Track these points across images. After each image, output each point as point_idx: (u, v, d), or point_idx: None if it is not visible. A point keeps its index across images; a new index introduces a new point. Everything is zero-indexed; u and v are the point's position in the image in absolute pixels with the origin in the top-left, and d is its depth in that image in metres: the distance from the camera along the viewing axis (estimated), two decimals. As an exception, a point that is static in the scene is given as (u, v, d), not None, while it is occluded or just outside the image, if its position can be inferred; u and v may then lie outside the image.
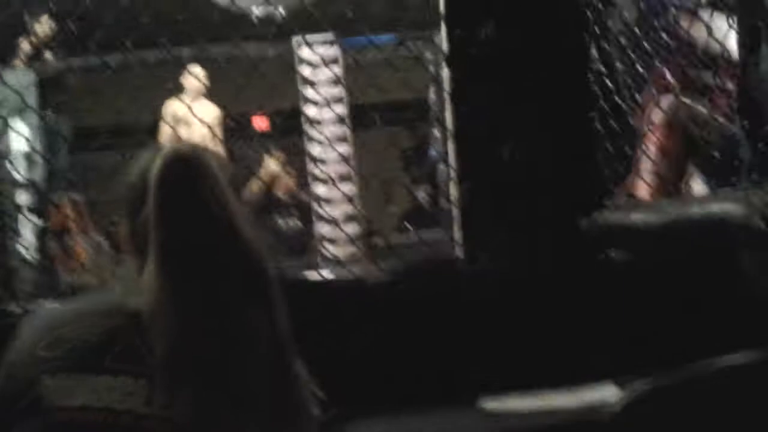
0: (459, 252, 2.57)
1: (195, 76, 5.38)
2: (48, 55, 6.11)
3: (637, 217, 2.14)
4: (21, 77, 5.35)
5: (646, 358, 2.22)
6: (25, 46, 5.97)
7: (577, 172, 2.37)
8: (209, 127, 5.56)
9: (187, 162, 1.30)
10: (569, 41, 2.36)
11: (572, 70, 2.37)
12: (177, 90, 5.56)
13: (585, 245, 2.35)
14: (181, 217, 1.26)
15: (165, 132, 5.79)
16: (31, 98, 5.21)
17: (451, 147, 2.61)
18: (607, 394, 2.06)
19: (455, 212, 2.62)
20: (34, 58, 5.99)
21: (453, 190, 2.60)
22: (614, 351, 2.25)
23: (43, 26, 5.97)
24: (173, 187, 1.27)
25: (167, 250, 1.25)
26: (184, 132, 5.49)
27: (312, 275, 2.89)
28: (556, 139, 2.36)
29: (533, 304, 2.35)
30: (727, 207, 1.84)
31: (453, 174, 2.56)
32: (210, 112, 5.87)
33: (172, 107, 5.58)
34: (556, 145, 2.36)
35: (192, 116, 4.67)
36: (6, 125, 4.49)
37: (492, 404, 2.16)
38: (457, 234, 2.61)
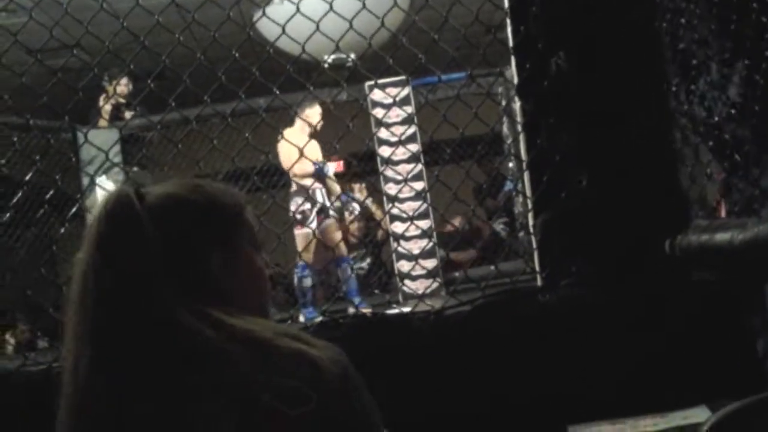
0: (539, 281, 2.57)
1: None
2: (128, 113, 6.36)
3: (721, 237, 2.11)
4: (105, 136, 5.55)
5: (739, 379, 2.19)
6: (106, 106, 6.21)
7: (658, 194, 2.35)
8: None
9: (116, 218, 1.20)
10: (643, 64, 2.35)
11: (647, 92, 2.36)
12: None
13: (670, 268, 2.32)
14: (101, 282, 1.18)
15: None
16: (116, 155, 5.40)
17: (526, 178, 2.63)
18: (698, 417, 2.03)
19: (534, 242, 2.62)
20: (116, 117, 6.23)
21: (531, 221, 2.60)
22: (706, 374, 2.22)
23: (122, 86, 6.21)
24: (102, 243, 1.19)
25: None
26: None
27: (392, 311, 2.91)
28: (634, 164, 2.35)
29: (618, 330, 2.33)
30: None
31: (530, 205, 2.58)
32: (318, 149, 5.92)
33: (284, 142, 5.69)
34: (634, 170, 2.35)
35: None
36: (93, 183, 4.66)
37: (582, 432, 2.14)
38: (537, 264, 2.61)
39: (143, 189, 1.27)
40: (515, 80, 2.59)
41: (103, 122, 6.12)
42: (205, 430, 1.13)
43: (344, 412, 1.17)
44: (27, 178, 2.99)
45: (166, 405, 1.14)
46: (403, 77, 5.54)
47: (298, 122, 5.97)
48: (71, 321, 1.20)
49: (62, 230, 2.92)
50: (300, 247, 5.86)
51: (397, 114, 6.11)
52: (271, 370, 1.15)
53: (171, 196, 1.27)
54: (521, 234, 6.92)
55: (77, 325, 1.20)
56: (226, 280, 1.25)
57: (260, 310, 1.31)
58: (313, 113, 5.89)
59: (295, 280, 6.17)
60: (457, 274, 7.05)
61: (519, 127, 2.65)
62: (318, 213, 6.06)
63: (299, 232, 6.00)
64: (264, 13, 2.56)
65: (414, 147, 6.15)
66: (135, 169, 5.95)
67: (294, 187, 6.06)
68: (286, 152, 5.75)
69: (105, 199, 1.23)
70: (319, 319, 2.52)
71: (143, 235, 1.19)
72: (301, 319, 5.78)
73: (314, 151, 5.83)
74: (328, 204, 6.14)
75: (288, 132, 5.45)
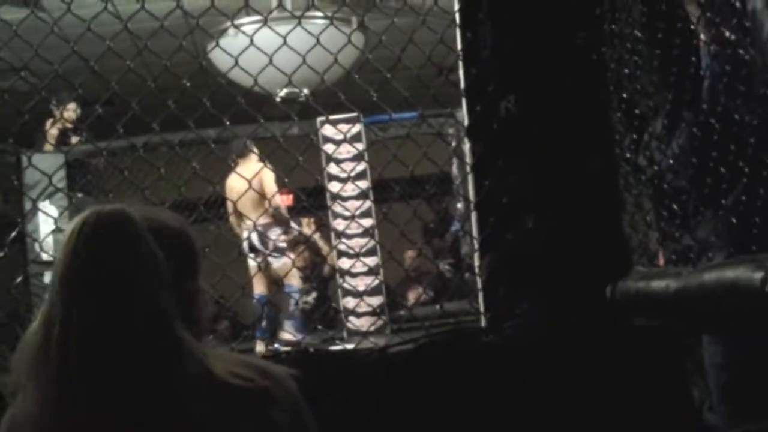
0: (483, 322, 2.59)
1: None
2: (74, 138, 6.29)
3: (657, 284, 2.15)
4: (50, 160, 5.47)
5: (676, 427, 2.22)
6: (52, 130, 6.13)
7: (601, 240, 2.39)
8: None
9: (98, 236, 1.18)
10: (590, 113, 2.40)
11: (593, 138, 2.41)
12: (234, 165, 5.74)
13: (610, 313, 2.35)
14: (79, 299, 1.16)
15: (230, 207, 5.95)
16: (60, 181, 5.32)
17: (473, 218, 2.65)
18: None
19: (479, 283, 2.64)
20: (62, 142, 6.16)
21: (476, 261, 2.63)
22: (644, 420, 2.25)
23: (69, 111, 6.14)
24: (75, 265, 1.17)
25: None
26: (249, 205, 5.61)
27: (336, 348, 2.90)
28: (579, 208, 2.39)
29: (560, 372, 2.35)
30: (741, 272, 1.85)
31: (476, 245, 2.60)
32: (262, 174, 5.96)
33: (231, 182, 5.75)
34: (579, 215, 2.39)
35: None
36: (36, 207, 4.59)
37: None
38: (481, 305, 2.63)
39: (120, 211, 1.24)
40: (466, 121, 2.63)
41: (48, 147, 6.05)
42: None
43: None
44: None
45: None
46: (354, 114, 5.57)
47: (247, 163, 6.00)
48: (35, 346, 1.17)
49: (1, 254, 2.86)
50: (284, 275, 6.03)
51: (347, 150, 6.14)
52: (228, 405, 1.18)
53: (155, 221, 1.27)
54: (467, 275, 6.97)
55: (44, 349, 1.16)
56: (193, 304, 1.28)
57: (205, 336, 1.34)
58: (250, 162, 5.95)
59: (262, 310, 6.20)
60: (402, 312, 7.07)
61: (468, 168, 2.68)
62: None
63: (282, 263, 6.12)
64: (217, 44, 2.56)
65: (363, 184, 6.17)
66: (79, 195, 5.86)
67: (269, 219, 6.09)
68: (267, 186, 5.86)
69: (84, 216, 1.20)
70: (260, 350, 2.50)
71: (116, 262, 1.18)
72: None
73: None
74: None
75: (244, 169, 5.52)
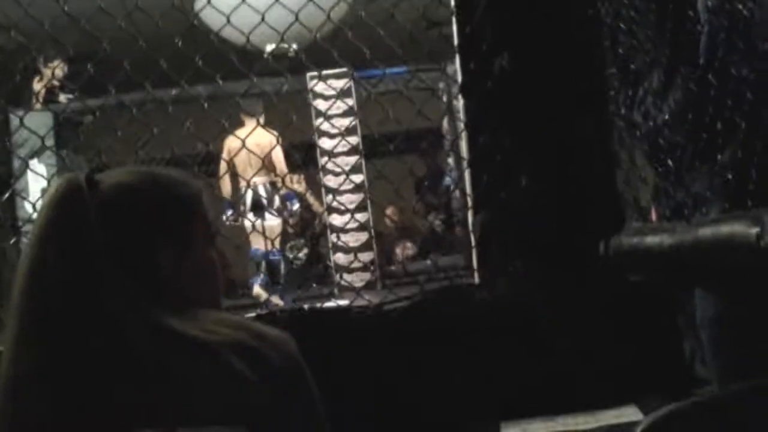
0: (475, 279, 2.60)
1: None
2: (63, 96, 6.22)
3: (651, 240, 2.16)
4: (38, 119, 5.41)
5: (667, 380, 2.24)
6: (38, 87, 6.06)
7: (595, 196, 2.40)
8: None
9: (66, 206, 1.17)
10: (585, 67, 2.39)
11: (588, 95, 2.40)
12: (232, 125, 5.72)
13: (603, 268, 2.37)
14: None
15: (223, 167, 6.00)
16: (49, 139, 5.28)
17: (466, 175, 2.65)
18: (628, 416, 2.07)
19: (472, 240, 2.65)
20: (50, 100, 6.09)
21: (470, 218, 2.63)
22: (634, 373, 2.27)
23: (56, 68, 6.06)
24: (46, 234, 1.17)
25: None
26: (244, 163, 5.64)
27: (330, 305, 2.91)
28: (573, 165, 2.39)
29: (551, 329, 2.37)
30: (737, 227, 1.86)
31: (470, 202, 2.60)
32: (269, 138, 5.97)
33: (233, 142, 5.75)
34: (573, 172, 2.39)
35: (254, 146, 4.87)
36: (25, 166, 4.55)
37: (513, 430, 2.18)
38: (474, 261, 2.64)
39: (98, 176, 1.23)
40: (459, 78, 2.61)
41: (36, 105, 5.98)
42: (143, 424, 1.11)
43: (287, 404, 1.17)
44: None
45: (103, 400, 1.12)
46: (345, 69, 5.53)
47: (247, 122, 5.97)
48: (13, 306, 1.18)
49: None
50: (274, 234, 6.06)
51: (338, 106, 6.11)
52: (206, 363, 1.14)
53: (123, 186, 1.23)
54: (458, 230, 6.98)
55: (20, 312, 1.17)
56: (176, 274, 1.22)
57: (213, 302, 1.29)
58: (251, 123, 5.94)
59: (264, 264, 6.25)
60: (393, 267, 7.11)
61: (461, 125, 2.67)
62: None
63: (275, 223, 6.20)
64: (209, 2, 2.54)
65: (354, 139, 6.15)
66: (66, 152, 5.81)
67: (268, 178, 6.11)
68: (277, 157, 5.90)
69: (55, 186, 1.20)
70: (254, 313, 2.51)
71: (90, 227, 1.17)
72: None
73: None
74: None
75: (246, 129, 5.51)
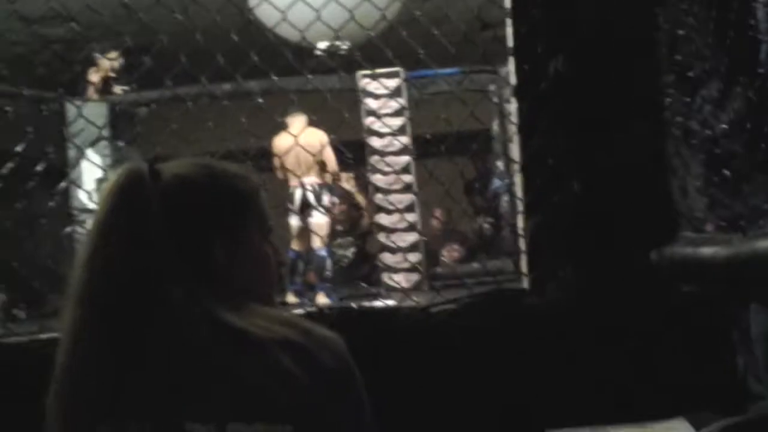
0: (525, 283, 2.58)
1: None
2: (118, 88, 6.31)
3: (706, 251, 2.12)
4: (93, 109, 5.49)
5: (718, 394, 2.20)
6: (94, 78, 6.15)
7: (649, 205, 2.36)
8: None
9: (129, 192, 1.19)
10: (641, 73, 2.36)
11: (643, 102, 2.37)
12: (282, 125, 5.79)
13: (655, 278, 2.33)
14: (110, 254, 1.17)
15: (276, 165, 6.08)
16: (104, 130, 5.35)
17: (517, 179, 2.63)
18: (678, 430, 2.04)
19: (522, 244, 2.63)
20: (106, 91, 6.17)
21: (520, 222, 2.61)
22: (685, 386, 2.23)
23: (112, 60, 6.15)
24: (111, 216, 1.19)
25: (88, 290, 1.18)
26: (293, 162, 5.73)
27: (377, 305, 2.91)
28: (627, 172, 2.35)
29: (602, 337, 2.34)
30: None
31: (520, 207, 2.58)
32: (318, 137, 6.02)
33: (282, 141, 5.81)
34: (627, 178, 2.36)
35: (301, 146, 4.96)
36: (81, 155, 4.62)
37: (559, 438, 2.16)
38: (522, 265, 2.62)
39: (158, 166, 1.24)
40: (512, 80, 2.59)
41: (91, 95, 6.07)
42: (195, 417, 1.12)
43: (336, 403, 1.17)
44: (19, 149, 2.96)
45: (158, 389, 1.13)
46: (396, 69, 5.53)
47: (297, 122, 6.00)
48: (73, 293, 1.19)
49: (51, 204, 2.88)
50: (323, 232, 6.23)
51: (389, 105, 6.10)
52: (257, 360, 1.14)
53: (184, 178, 1.24)
54: (506, 233, 6.94)
55: (79, 299, 1.18)
56: (232, 268, 1.23)
57: (266, 298, 1.30)
58: (300, 122, 5.96)
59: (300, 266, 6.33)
60: (440, 269, 7.08)
61: (513, 128, 2.65)
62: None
63: (323, 221, 6.33)
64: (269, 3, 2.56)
65: (404, 139, 6.13)
66: (121, 143, 5.89)
67: (320, 180, 6.17)
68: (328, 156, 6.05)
69: (118, 174, 1.21)
70: (301, 309, 2.52)
71: (152, 216, 1.18)
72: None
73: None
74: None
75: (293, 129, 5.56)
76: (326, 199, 6.32)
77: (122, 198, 1.19)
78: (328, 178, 6.26)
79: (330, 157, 6.08)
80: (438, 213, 8.11)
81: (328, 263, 6.46)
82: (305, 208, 6.26)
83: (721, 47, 2.17)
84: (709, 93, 2.25)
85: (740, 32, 2.13)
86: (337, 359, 1.19)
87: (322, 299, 6.16)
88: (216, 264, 1.22)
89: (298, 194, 6.24)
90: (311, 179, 6.13)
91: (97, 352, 1.16)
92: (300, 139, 5.04)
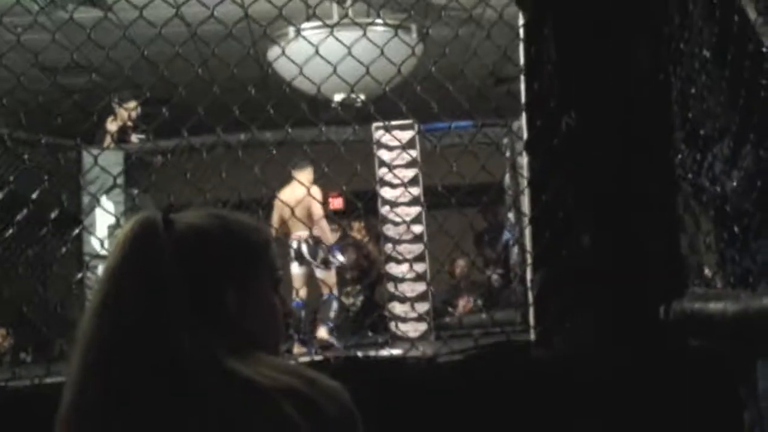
0: (531, 335, 2.59)
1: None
2: (135, 137, 6.38)
3: (715, 306, 2.13)
4: (109, 157, 5.55)
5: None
6: (111, 127, 6.23)
7: (658, 260, 2.38)
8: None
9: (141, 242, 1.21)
10: (652, 130, 2.39)
11: (654, 158, 2.39)
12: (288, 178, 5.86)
13: (663, 333, 2.34)
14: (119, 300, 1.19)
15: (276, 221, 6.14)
16: (119, 178, 5.40)
17: (527, 232, 2.65)
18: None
19: (530, 296, 2.64)
20: (121, 139, 6.25)
21: (529, 275, 2.62)
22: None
23: (129, 109, 6.23)
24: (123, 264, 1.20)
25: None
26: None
27: (384, 354, 2.91)
28: (637, 227, 2.37)
29: (609, 391, 2.34)
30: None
31: (529, 259, 2.60)
32: (318, 194, 6.08)
33: (287, 194, 5.88)
34: (636, 233, 2.37)
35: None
36: (95, 202, 4.67)
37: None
38: (530, 317, 2.63)
39: (172, 216, 1.27)
40: (524, 134, 2.63)
41: (107, 143, 6.14)
42: None
43: None
44: (34, 195, 3.00)
45: None
46: (409, 121, 5.57)
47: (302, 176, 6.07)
48: (83, 339, 1.20)
49: (63, 250, 2.91)
50: (325, 286, 6.26)
51: (401, 157, 6.15)
52: (261, 409, 1.15)
53: (197, 228, 1.27)
54: (515, 285, 6.93)
55: (88, 344, 1.20)
56: (241, 317, 1.25)
57: (273, 348, 1.31)
58: (305, 175, 6.02)
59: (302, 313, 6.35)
60: (448, 319, 7.06)
61: (524, 182, 2.68)
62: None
63: (322, 275, 6.36)
64: (283, 52, 2.60)
65: (415, 190, 6.17)
66: (135, 191, 5.94)
67: (310, 233, 6.20)
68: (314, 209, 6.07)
69: (132, 222, 1.24)
70: (308, 358, 2.53)
71: (165, 265, 1.20)
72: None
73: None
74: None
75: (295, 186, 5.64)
76: (321, 252, 6.37)
77: (135, 246, 1.21)
78: (317, 230, 6.26)
79: (316, 211, 6.11)
80: (462, 264, 8.12)
81: (335, 304, 6.49)
82: (299, 261, 6.36)
83: (732, 105, 2.20)
84: (720, 151, 2.28)
85: (752, 91, 2.16)
86: (341, 409, 1.19)
87: (322, 333, 6.21)
88: (227, 313, 1.24)
89: (294, 245, 6.35)
90: (304, 234, 6.18)
91: (102, 400, 1.17)
92: (292, 195, 5.16)
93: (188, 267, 1.22)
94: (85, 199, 5.27)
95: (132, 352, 1.17)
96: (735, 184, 2.25)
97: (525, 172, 2.60)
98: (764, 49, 2.06)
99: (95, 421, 1.17)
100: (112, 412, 1.16)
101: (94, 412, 1.17)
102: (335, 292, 6.58)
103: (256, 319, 1.28)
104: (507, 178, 6.72)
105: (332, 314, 6.48)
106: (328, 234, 6.49)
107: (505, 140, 6.48)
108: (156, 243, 1.21)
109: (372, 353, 2.99)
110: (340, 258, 6.60)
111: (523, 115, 2.59)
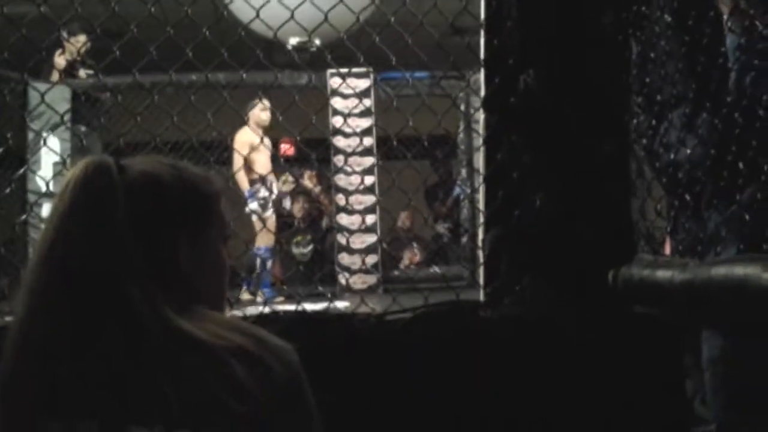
0: (479, 293, 2.58)
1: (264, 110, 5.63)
2: (83, 72, 6.22)
3: (662, 274, 2.14)
4: (56, 92, 5.41)
5: (666, 416, 2.22)
6: (60, 61, 6.06)
7: (609, 223, 2.37)
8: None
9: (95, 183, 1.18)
10: (610, 95, 2.37)
11: (610, 121, 2.38)
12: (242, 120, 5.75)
13: (611, 298, 2.34)
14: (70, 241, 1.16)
15: (237, 160, 5.99)
16: (66, 113, 5.27)
17: (480, 190, 2.63)
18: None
19: (480, 255, 2.63)
20: (69, 74, 6.08)
21: (480, 234, 2.61)
22: (635, 407, 2.25)
23: (78, 42, 6.06)
24: (73, 204, 1.17)
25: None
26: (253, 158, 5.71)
27: (334, 310, 2.89)
28: (589, 190, 2.36)
29: (554, 353, 2.35)
30: (751, 270, 1.84)
31: (481, 218, 2.58)
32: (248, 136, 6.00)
33: (244, 136, 5.77)
34: (588, 196, 2.36)
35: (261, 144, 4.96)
36: (39, 137, 4.55)
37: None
38: (479, 274, 2.62)
39: (123, 161, 1.24)
40: (482, 92, 2.59)
41: (55, 77, 5.97)
42: (141, 420, 1.10)
43: (285, 414, 1.16)
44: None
45: (106, 389, 1.12)
46: (365, 69, 5.52)
47: (250, 119, 5.98)
48: (29, 283, 1.18)
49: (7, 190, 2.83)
50: (263, 230, 6.04)
51: (356, 106, 6.09)
52: (208, 367, 1.13)
53: (150, 176, 1.24)
54: (464, 240, 6.96)
55: (34, 289, 1.17)
56: (190, 269, 1.23)
57: (219, 301, 1.30)
58: (260, 112, 5.92)
59: (258, 261, 6.25)
60: (396, 272, 7.09)
61: (478, 137, 2.65)
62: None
63: (264, 216, 6.19)
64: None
65: (368, 140, 6.14)
66: (83, 128, 5.80)
67: (254, 176, 6.11)
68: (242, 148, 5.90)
69: (83, 164, 1.20)
70: (260, 310, 2.50)
71: (118, 210, 1.17)
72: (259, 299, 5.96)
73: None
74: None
75: (243, 131, 5.56)
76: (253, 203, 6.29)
77: (88, 191, 1.18)
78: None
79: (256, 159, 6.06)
80: (404, 216, 8.12)
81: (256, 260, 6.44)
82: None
83: (690, 73, 2.19)
84: (675, 117, 2.28)
85: (711, 59, 2.16)
86: (288, 369, 1.19)
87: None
88: (177, 265, 1.22)
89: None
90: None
91: (46, 346, 1.14)
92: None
93: (141, 216, 1.19)
94: (30, 136, 5.13)
95: (80, 302, 1.14)
96: (688, 151, 2.25)
97: (481, 130, 2.56)
98: (724, 17, 2.05)
99: (37, 368, 1.14)
100: (54, 361, 1.13)
101: (36, 360, 1.14)
102: (263, 243, 6.48)
103: (205, 272, 1.27)
104: (460, 132, 6.71)
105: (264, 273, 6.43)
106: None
107: (461, 94, 6.45)
108: (110, 187, 1.18)
109: (321, 307, 2.96)
110: (254, 206, 6.44)
111: (481, 70, 2.55)
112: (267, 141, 5.93)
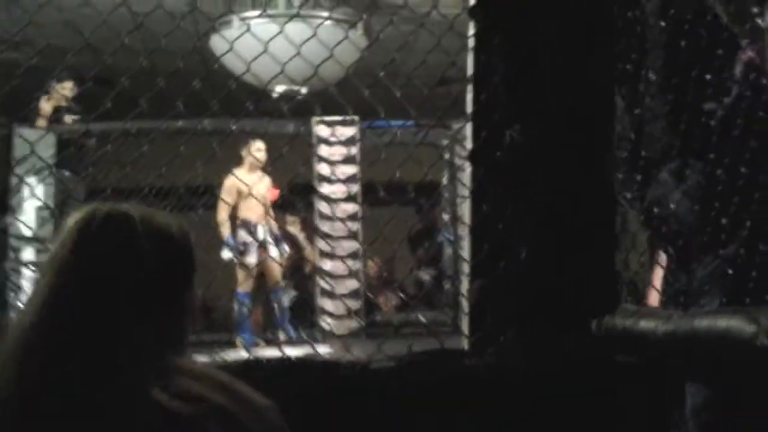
0: (461, 338, 2.59)
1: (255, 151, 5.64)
2: (68, 117, 6.23)
3: (646, 324, 2.16)
4: (43, 138, 5.41)
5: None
6: (46, 106, 6.07)
7: (593, 276, 2.40)
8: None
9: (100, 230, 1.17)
10: (594, 148, 2.41)
11: (595, 176, 2.41)
12: (236, 162, 5.74)
13: (593, 347, 2.36)
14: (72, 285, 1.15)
15: (222, 206, 5.94)
16: (50, 158, 5.28)
17: (466, 240, 2.65)
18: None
19: (464, 303, 2.65)
20: (55, 119, 6.09)
21: (465, 284, 2.63)
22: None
23: (65, 89, 6.08)
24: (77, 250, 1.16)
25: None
26: (244, 204, 5.69)
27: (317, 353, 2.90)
28: (574, 242, 2.39)
29: (538, 402, 2.36)
30: (734, 323, 1.87)
31: (466, 268, 2.60)
32: (266, 184, 6.00)
33: (231, 182, 5.75)
34: (573, 248, 2.39)
35: (253, 188, 4.96)
36: (22, 182, 4.54)
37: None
38: (460, 320, 2.63)
39: (134, 213, 1.23)
40: (466, 140, 2.62)
41: (41, 122, 5.98)
42: None
43: None
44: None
45: None
46: (351, 117, 5.56)
47: (246, 159, 5.98)
48: (21, 326, 1.16)
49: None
50: (241, 276, 5.96)
51: (340, 152, 6.13)
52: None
53: (159, 229, 1.23)
54: (446, 286, 6.97)
55: (28, 335, 1.15)
56: (180, 319, 1.24)
57: (182, 344, 1.28)
58: (256, 149, 5.93)
59: (236, 306, 6.19)
60: (378, 317, 7.08)
61: (461, 184, 2.68)
62: (259, 246, 6.17)
63: (244, 262, 6.16)
64: (231, 48, 2.55)
65: (354, 187, 6.17)
66: (66, 173, 5.80)
67: (238, 221, 6.08)
68: (228, 193, 5.88)
69: (89, 215, 1.19)
70: (245, 356, 2.50)
71: (140, 261, 1.17)
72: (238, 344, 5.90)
73: (263, 186, 5.96)
74: (269, 240, 6.23)
75: (230, 177, 5.58)
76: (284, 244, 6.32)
77: (100, 243, 1.17)
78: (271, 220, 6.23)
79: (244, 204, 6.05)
80: (375, 261, 8.12)
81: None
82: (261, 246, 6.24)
83: (675, 130, 2.23)
84: (660, 173, 2.32)
85: (695, 117, 2.20)
86: (270, 429, 1.18)
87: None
88: (170, 317, 1.22)
89: (261, 231, 6.20)
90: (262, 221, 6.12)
91: (30, 395, 1.13)
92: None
93: (151, 270, 1.18)
94: (14, 180, 5.13)
95: (71, 358, 1.13)
96: (673, 206, 2.28)
97: (467, 182, 2.59)
98: (708, 76, 2.10)
99: (17, 415, 1.12)
100: (37, 409, 1.12)
101: (19, 405, 1.13)
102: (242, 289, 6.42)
103: (186, 320, 1.27)
104: (444, 179, 6.75)
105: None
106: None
107: (445, 142, 6.51)
108: (133, 238, 1.17)
109: (303, 352, 2.96)
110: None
111: (465, 119, 2.58)
112: (266, 181, 5.92)
